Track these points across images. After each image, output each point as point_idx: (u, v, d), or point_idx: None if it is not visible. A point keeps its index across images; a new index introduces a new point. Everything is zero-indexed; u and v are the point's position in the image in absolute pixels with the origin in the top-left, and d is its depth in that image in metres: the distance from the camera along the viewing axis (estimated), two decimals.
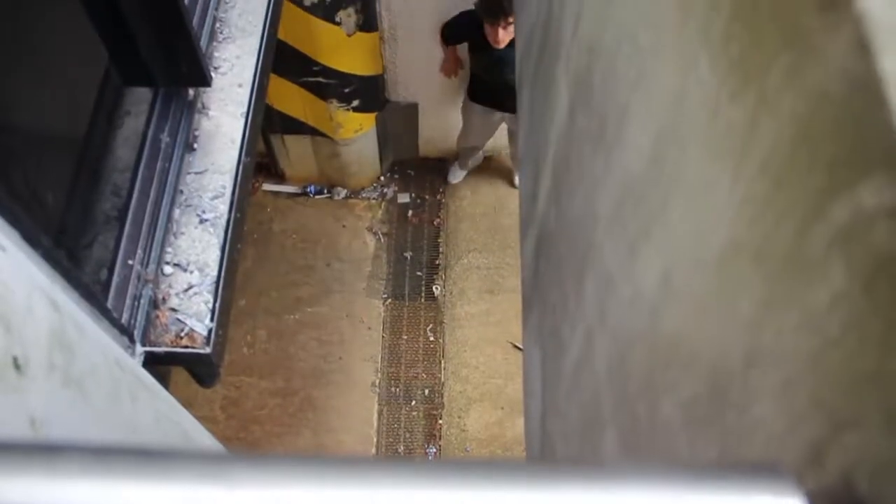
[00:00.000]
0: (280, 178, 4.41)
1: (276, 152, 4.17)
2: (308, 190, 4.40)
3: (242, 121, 1.72)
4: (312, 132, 3.96)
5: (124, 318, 1.42)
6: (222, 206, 1.64)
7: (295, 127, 3.92)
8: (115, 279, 1.41)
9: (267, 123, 3.92)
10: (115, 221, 1.49)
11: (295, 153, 4.16)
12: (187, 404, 1.30)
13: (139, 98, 1.63)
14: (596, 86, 0.89)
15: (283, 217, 4.43)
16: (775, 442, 0.39)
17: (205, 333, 1.49)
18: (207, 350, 1.46)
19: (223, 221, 1.62)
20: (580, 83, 0.99)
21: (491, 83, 3.38)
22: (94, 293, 1.23)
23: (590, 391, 0.90)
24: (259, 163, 4.42)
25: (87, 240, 1.46)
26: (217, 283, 1.55)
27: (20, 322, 0.77)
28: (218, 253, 1.58)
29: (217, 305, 1.52)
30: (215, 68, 1.74)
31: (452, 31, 3.39)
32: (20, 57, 1.26)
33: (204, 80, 1.62)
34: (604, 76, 0.85)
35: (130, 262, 1.46)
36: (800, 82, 0.35)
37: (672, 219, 0.59)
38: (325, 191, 4.41)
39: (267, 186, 4.43)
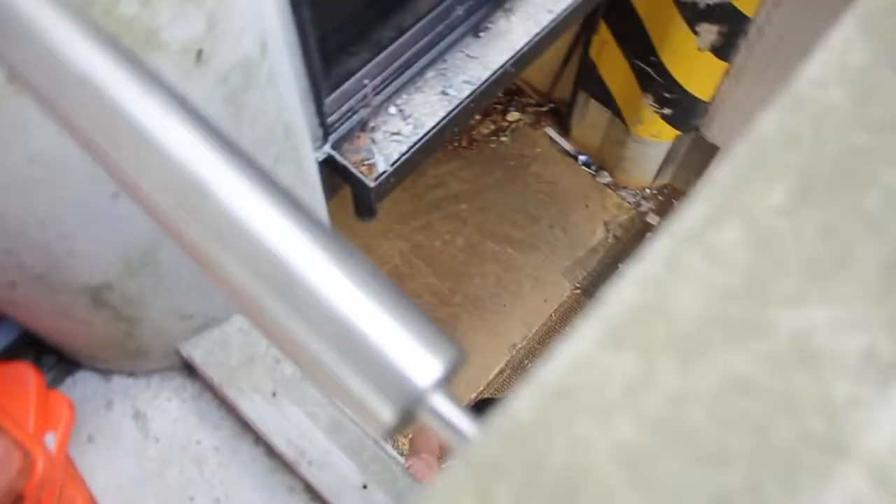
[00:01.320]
0: (565, 132, 4.51)
1: (576, 109, 4.27)
2: (580, 157, 4.47)
3: (531, 37, 1.83)
4: (616, 111, 3.99)
5: (332, 118, 1.62)
6: (467, 91, 1.78)
7: (604, 97, 3.98)
8: (347, 85, 1.62)
9: (584, 79, 4.01)
10: (379, 48, 1.68)
11: (590, 120, 4.23)
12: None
13: None
14: None
15: (545, 164, 4.55)
16: None
17: (381, 171, 1.66)
18: (372, 184, 1.64)
19: (460, 102, 1.76)
20: None
21: None
22: (317, 75, 1.43)
23: None
24: (557, 109, 4.55)
25: (350, 46, 1.67)
26: (418, 143, 1.71)
27: (224, 32, 0.95)
28: (437, 121, 1.74)
29: (405, 158, 1.68)
30: None
31: None
32: None
33: None
34: None
35: (367, 81, 1.66)
36: None
37: None
38: (594, 167, 4.45)
39: (550, 132, 4.56)
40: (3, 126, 0.81)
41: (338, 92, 1.61)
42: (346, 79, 1.62)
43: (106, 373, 1.49)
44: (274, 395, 1.38)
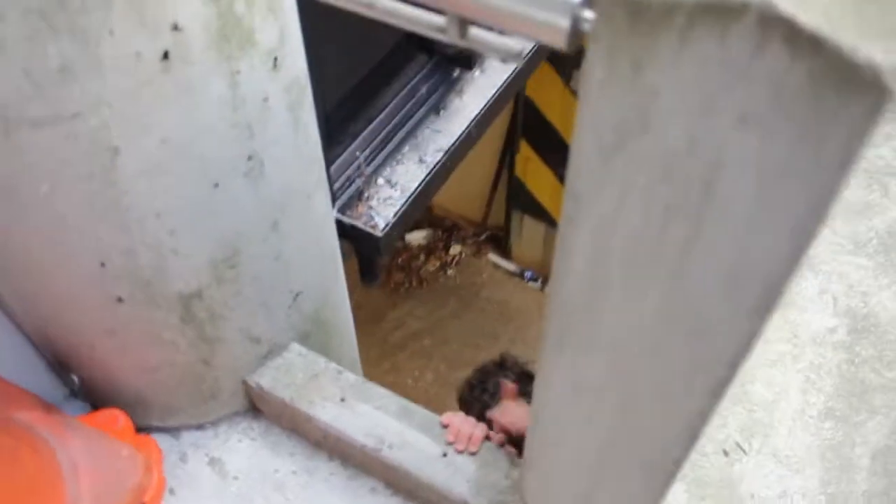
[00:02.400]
0: (506, 254, 4.86)
1: (512, 229, 4.65)
2: (525, 274, 4.80)
3: (480, 109, 2.18)
4: (550, 222, 4.39)
5: (335, 185, 1.88)
6: (439, 157, 2.09)
7: (537, 211, 4.38)
8: (344, 156, 1.90)
9: (514, 199, 4.43)
10: (365, 124, 1.99)
11: (527, 236, 4.61)
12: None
13: (419, 62, 2.16)
14: None
15: (493, 288, 4.85)
16: None
17: (383, 226, 1.91)
18: (380, 234, 1.87)
19: (434, 165, 2.06)
20: None
21: None
22: (324, 143, 1.71)
23: None
24: (495, 235, 4.94)
25: (342, 122, 1.97)
26: (407, 202, 1.98)
27: (289, 48, 1.21)
28: (418, 184, 2.02)
29: (401, 213, 1.94)
30: (481, 65, 2.24)
31: None
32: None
33: (468, 65, 2.12)
34: None
35: (358, 153, 1.95)
36: None
37: None
38: (539, 280, 4.77)
39: (492, 257, 4.91)
40: (149, 107, 1.03)
41: (337, 162, 1.88)
42: (342, 151, 1.90)
43: (175, 431, 1.59)
44: (342, 399, 1.52)
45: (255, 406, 1.60)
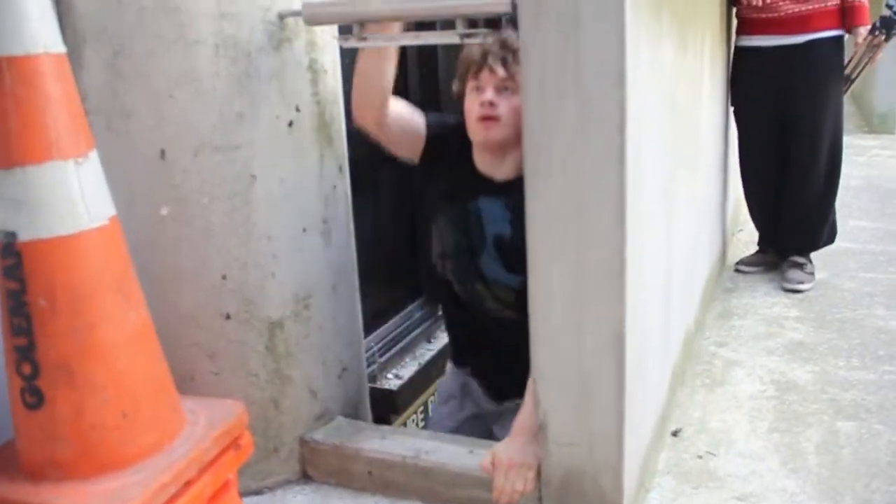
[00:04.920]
0: None
1: None
2: None
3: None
4: None
5: None
6: (427, 356, 2.64)
7: None
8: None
9: None
10: (376, 327, 2.58)
11: None
12: None
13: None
14: None
15: None
16: None
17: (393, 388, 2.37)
18: (396, 388, 2.33)
19: (424, 362, 2.61)
20: None
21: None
22: None
23: None
24: None
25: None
26: (406, 380, 2.47)
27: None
28: (412, 373, 2.54)
29: (404, 384, 2.42)
30: None
31: None
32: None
33: None
34: None
35: (373, 345, 2.50)
36: None
37: None
38: None
39: None
40: (277, 152, 1.72)
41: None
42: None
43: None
44: (383, 438, 1.85)
45: (307, 473, 1.89)
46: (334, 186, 1.89)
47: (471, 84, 1.74)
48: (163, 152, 1.64)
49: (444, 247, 1.88)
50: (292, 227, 1.78)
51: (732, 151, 3.39)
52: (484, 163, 1.81)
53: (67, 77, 1.22)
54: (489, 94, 1.69)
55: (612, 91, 1.34)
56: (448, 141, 1.83)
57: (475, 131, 1.75)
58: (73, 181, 1.19)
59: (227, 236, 1.70)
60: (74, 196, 1.20)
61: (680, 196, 2.12)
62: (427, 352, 2.84)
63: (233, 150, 1.67)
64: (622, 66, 1.33)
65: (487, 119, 1.70)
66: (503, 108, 1.69)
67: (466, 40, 1.48)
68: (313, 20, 1.67)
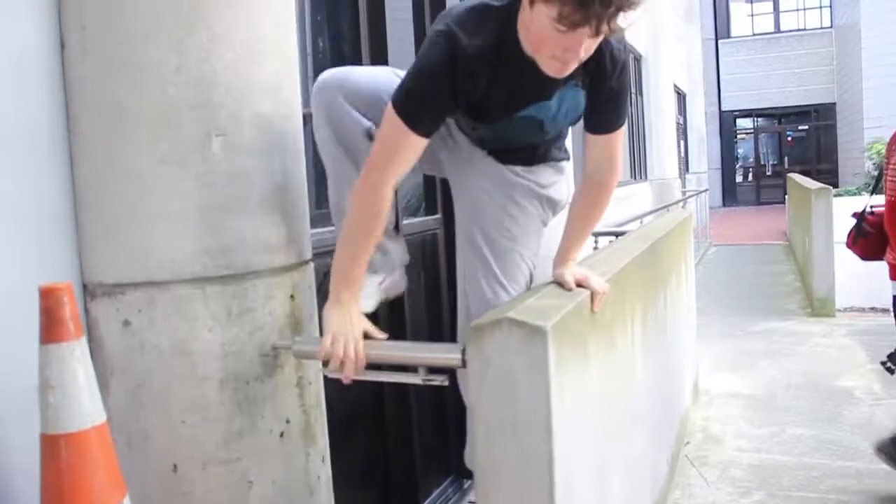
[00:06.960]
0: None
1: None
2: None
3: None
4: None
5: None
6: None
7: None
8: None
9: None
10: None
11: None
12: None
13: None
14: None
15: None
16: None
17: None
18: None
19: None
20: None
21: None
22: None
23: None
24: None
25: None
26: None
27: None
28: None
29: None
30: None
31: None
32: None
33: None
34: None
35: None
36: None
37: None
38: None
39: None
40: (276, 463, 2.05)
41: None
42: None
43: None
44: None
45: None
46: (318, 476, 2.21)
47: (562, 23, 1.56)
48: (175, 466, 1.97)
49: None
50: None
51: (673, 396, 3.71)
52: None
53: (108, 443, 1.58)
54: (583, 53, 1.66)
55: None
56: (466, 63, 1.79)
57: (547, 65, 1.72)
58: None
59: None
60: None
61: (614, 468, 2.45)
62: None
63: (234, 462, 2.00)
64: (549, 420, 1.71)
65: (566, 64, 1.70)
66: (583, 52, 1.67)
67: (427, 382, 1.88)
68: (301, 356, 2.08)
